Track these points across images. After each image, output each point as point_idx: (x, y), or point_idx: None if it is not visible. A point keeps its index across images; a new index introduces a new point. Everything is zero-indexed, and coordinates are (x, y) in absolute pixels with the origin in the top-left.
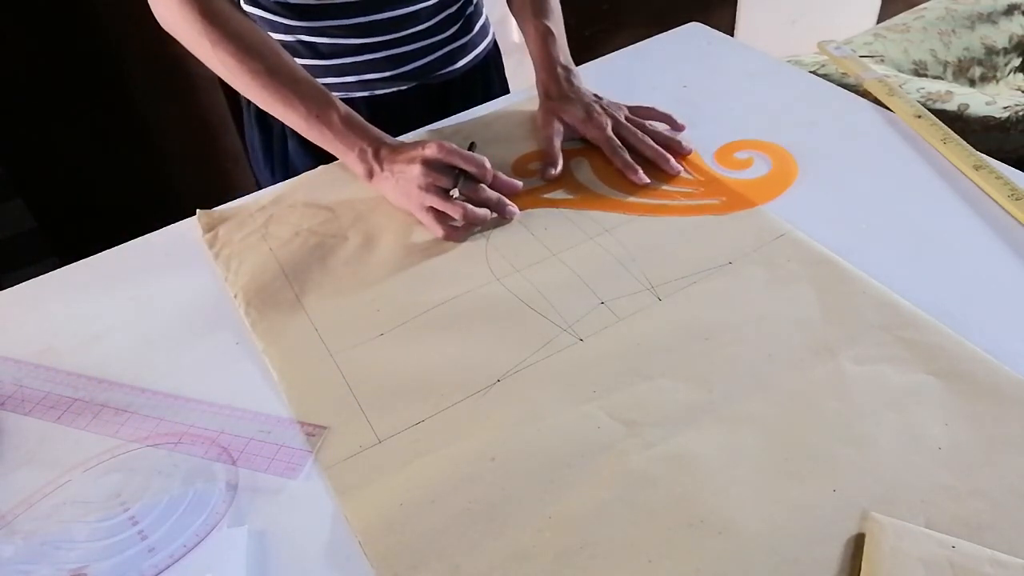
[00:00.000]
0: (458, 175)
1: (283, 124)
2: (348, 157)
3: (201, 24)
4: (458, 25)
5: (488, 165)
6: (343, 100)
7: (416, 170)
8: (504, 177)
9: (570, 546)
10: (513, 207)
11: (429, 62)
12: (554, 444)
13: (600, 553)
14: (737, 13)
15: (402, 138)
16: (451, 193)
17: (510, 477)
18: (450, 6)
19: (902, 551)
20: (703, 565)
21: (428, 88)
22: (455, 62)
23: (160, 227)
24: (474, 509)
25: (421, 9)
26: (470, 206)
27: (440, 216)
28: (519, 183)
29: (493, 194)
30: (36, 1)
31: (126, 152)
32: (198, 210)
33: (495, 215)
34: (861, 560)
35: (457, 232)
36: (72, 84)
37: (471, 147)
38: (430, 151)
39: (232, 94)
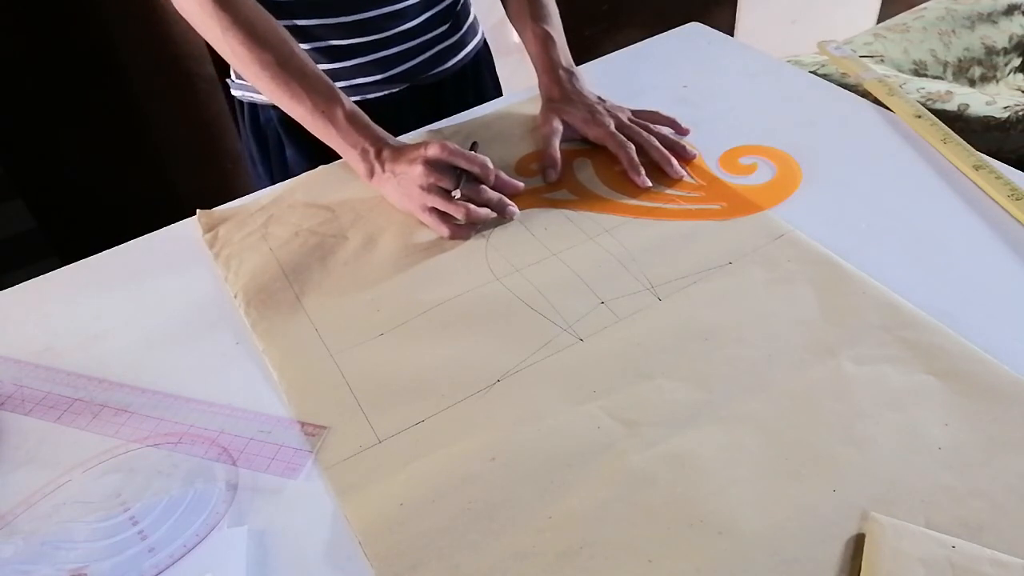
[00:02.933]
0: (460, 175)
1: (279, 133)
2: (350, 155)
3: (212, 8)
4: (447, 24)
5: (490, 165)
6: None
7: (418, 170)
8: (506, 177)
9: (570, 546)
10: (513, 207)
11: (419, 63)
12: (554, 444)
13: (600, 553)
14: (737, 13)
15: (402, 138)
16: (453, 194)
17: (510, 477)
18: (437, 4)
19: (902, 551)
20: (703, 565)
21: (419, 90)
22: (445, 62)
23: (160, 227)
24: (474, 509)
25: (407, 7)
26: (472, 206)
27: (442, 216)
28: (521, 183)
29: (494, 194)
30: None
31: (126, 152)
32: (198, 210)
33: (495, 215)
34: (861, 560)
35: (461, 230)
36: (72, 84)
37: (473, 147)
38: (432, 151)
39: (232, 95)
